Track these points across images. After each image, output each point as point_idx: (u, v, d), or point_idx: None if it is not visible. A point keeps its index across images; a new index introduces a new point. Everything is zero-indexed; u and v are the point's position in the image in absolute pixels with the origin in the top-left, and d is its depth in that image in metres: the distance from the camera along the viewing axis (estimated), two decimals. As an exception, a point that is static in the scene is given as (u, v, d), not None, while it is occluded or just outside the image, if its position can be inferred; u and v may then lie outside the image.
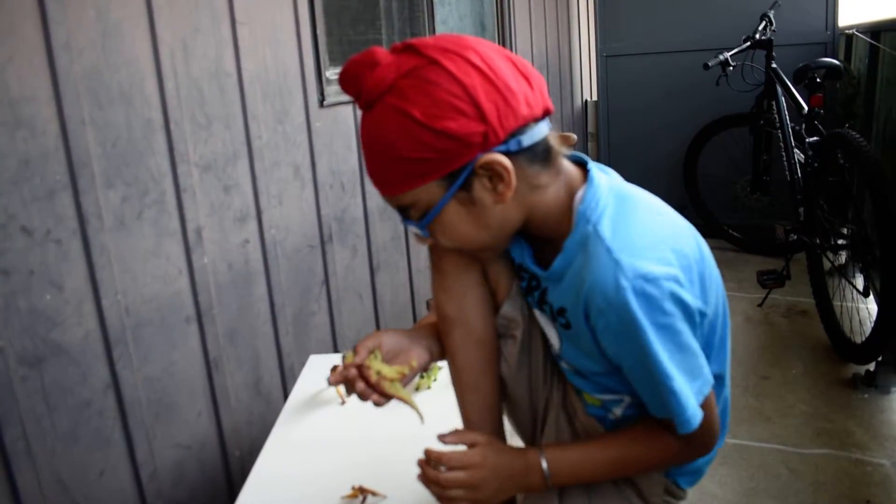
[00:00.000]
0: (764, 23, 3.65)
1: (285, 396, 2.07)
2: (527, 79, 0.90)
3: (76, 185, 1.42)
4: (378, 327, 2.62)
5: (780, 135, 3.45)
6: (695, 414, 0.90)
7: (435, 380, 1.64)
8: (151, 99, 1.60)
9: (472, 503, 0.99)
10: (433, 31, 3.13)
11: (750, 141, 3.88)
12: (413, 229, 0.98)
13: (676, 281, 0.87)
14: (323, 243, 2.28)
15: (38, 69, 1.35)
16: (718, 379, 1.05)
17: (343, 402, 1.60)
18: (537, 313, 1.09)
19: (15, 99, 1.31)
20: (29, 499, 1.34)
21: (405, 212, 0.95)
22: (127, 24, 1.54)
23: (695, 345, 0.92)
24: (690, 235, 0.97)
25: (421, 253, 2.95)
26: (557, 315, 1.00)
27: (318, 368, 1.77)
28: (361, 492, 1.26)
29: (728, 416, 1.12)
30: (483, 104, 0.85)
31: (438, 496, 1.01)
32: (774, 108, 3.53)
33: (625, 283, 0.85)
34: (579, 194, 0.96)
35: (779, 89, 3.51)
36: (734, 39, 3.67)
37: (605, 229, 0.90)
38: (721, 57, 3.51)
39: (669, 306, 0.87)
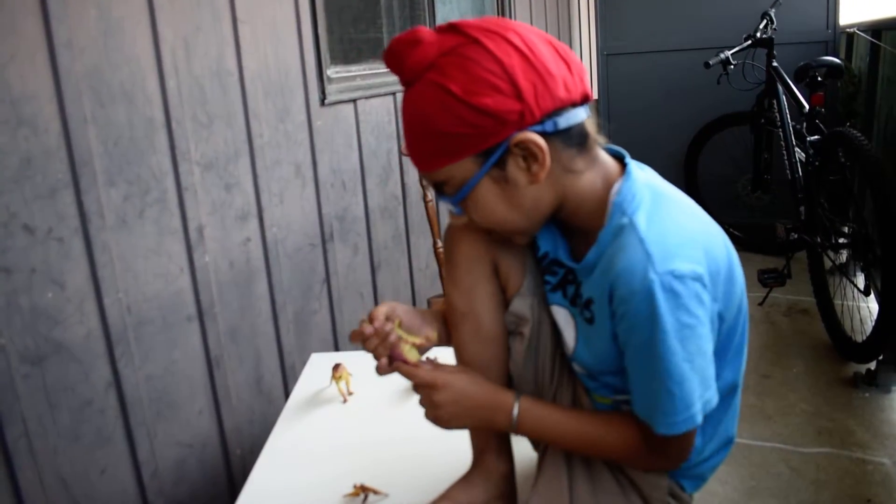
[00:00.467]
0: (765, 21, 3.64)
1: (286, 395, 2.07)
2: (567, 63, 0.91)
3: (78, 184, 1.42)
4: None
5: (781, 133, 3.45)
6: (691, 419, 0.89)
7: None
8: (153, 97, 1.60)
9: (436, 420, 1.04)
10: (434, 29, 3.12)
11: (751, 139, 3.87)
12: (447, 206, 0.99)
13: (701, 282, 0.87)
14: (324, 242, 2.28)
15: (39, 67, 1.35)
16: (733, 388, 1.04)
17: (345, 401, 1.60)
18: (556, 311, 1.08)
19: (17, 97, 1.31)
20: (30, 497, 1.35)
21: (440, 188, 0.96)
22: (128, 22, 1.54)
23: (711, 354, 0.91)
24: (721, 239, 0.96)
25: (421, 252, 2.95)
26: (584, 308, 1.00)
27: (319, 367, 1.77)
28: (363, 490, 1.26)
29: (736, 423, 1.11)
30: (521, 83, 0.86)
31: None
32: (775, 106, 3.52)
33: (653, 276, 0.85)
34: (616, 186, 0.96)
35: (780, 88, 3.51)
36: (735, 38, 3.67)
37: (641, 221, 0.90)
38: (722, 55, 3.50)
39: (694, 307, 0.87)
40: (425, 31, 0.90)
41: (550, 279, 1.08)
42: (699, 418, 0.90)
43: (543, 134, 0.89)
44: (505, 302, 1.10)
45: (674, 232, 0.90)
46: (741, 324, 1.01)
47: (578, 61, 0.93)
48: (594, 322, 0.98)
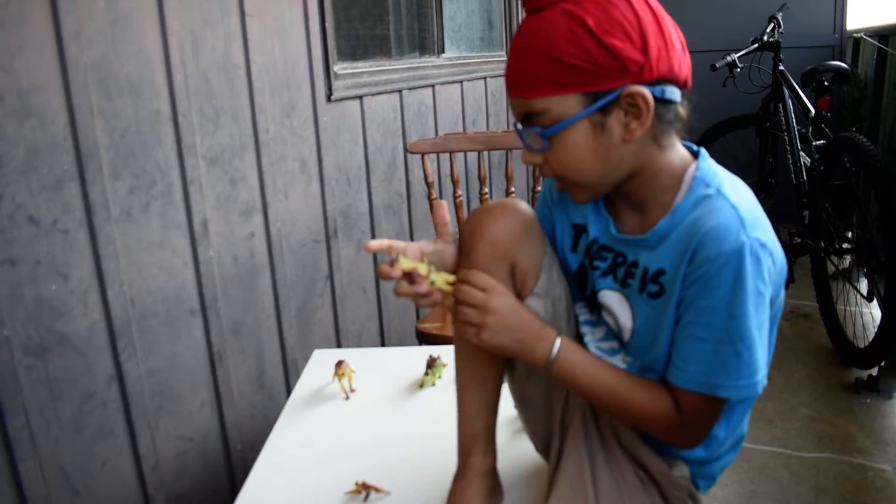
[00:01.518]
0: (772, 25, 3.64)
1: (288, 390, 2.07)
2: (683, 45, 0.95)
3: (84, 176, 1.42)
4: (382, 323, 2.63)
5: (787, 137, 3.44)
6: (753, 386, 0.91)
7: (439, 377, 1.63)
8: (160, 90, 1.60)
9: (478, 329, 0.98)
10: (441, 26, 3.13)
11: (756, 143, 3.87)
12: (528, 140, 0.98)
13: (773, 259, 0.91)
14: (328, 238, 2.27)
15: (47, 59, 1.35)
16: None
17: (347, 398, 1.60)
18: (608, 295, 1.07)
19: (24, 88, 1.31)
20: (31, 488, 1.35)
21: (530, 118, 0.95)
22: (136, 14, 1.54)
23: (769, 333, 0.94)
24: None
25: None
26: (651, 282, 1.00)
27: (321, 363, 1.77)
28: (365, 488, 1.26)
29: (746, 428, 1.12)
30: (650, 40, 0.89)
31: (453, 310, 1.01)
32: (781, 110, 3.52)
33: (745, 238, 0.88)
34: (691, 168, 0.99)
35: (786, 92, 3.50)
36: (742, 41, 3.66)
37: (729, 192, 0.94)
38: (728, 58, 3.50)
39: (767, 278, 0.90)
40: None
41: (600, 265, 1.08)
42: (759, 388, 0.92)
43: (653, 97, 0.91)
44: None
45: (755, 208, 0.94)
46: (775, 320, 1.02)
47: (688, 53, 0.98)
48: (664, 293, 0.98)
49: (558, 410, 1.13)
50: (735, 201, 0.92)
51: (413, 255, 1.04)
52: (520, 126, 0.99)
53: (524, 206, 1.09)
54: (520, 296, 1.08)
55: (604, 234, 1.08)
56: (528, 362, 1.02)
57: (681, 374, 0.95)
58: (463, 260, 1.10)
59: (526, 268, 1.07)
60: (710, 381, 0.92)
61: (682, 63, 0.95)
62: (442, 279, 1.01)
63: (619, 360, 1.08)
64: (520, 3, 0.96)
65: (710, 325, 0.91)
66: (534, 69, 0.91)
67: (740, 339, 0.89)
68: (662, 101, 0.93)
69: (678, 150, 1.01)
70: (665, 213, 0.98)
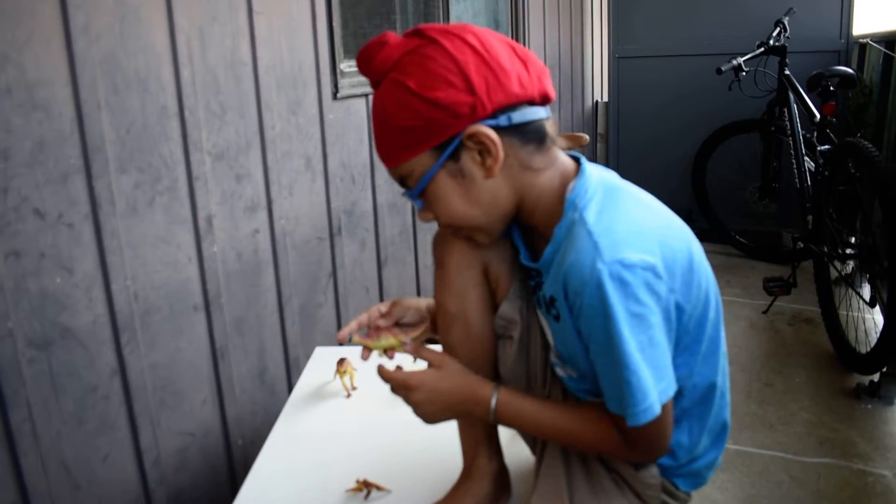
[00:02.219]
0: (778, 29, 3.64)
1: (289, 387, 2.07)
2: (524, 62, 0.94)
3: (90, 170, 1.42)
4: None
5: (791, 142, 3.44)
6: (649, 409, 0.89)
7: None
8: (167, 85, 1.60)
9: (420, 417, 1.06)
10: (447, 26, 3.12)
11: (760, 147, 3.87)
12: (410, 200, 1.02)
13: (654, 271, 0.88)
14: (332, 235, 2.28)
15: (55, 52, 1.35)
16: (711, 388, 1.04)
17: (348, 396, 1.60)
18: (539, 313, 1.09)
19: (32, 81, 1.31)
20: (32, 481, 1.35)
21: (404, 183, 0.99)
22: (145, 9, 1.54)
23: (666, 345, 0.92)
24: (681, 232, 0.98)
25: (428, 248, 2.95)
26: (550, 306, 1.01)
27: (323, 361, 1.77)
28: (366, 485, 1.26)
29: (728, 430, 1.11)
30: (473, 77, 0.90)
31: None
32: (786, 114, 3.52)
33: (601, 266, 0.87)
34: (571, 185, 0.98)
35: (791, 96, 3.50)
36: (748, 45, 3.66)
37: (590, 215, 0.92)
38: (734, 62, 3.50)
39: (644, 296, 0.87)
40: (392, 35, 0.96)
41: (531, 282, 1.10)
42: (657, 408, 0.90)
43: (497, 128, 0.92)
44: (495, 306, 1.12)
45: (623, 223, 0.92)
46: (711, 319, 1.01)
47: (539, 63, 0.97)
48: (560, 319, 0.99)
49: None
50: (592, 226, 0.91)
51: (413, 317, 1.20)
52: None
53: None
54: (496, 298, 1.11)
55: (521, 256, 1.10)
56: (479, 420, 1.10)
57: (607, 401, 0.95)
58: (437, 269, 1.13)
59: (498, 272, 1.10)
60: (620, 408, 0.92)
61: (526, 81, 0.93)
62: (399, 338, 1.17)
63: (563, 371, 1.09)
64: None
65: (600, 357, 0.92)
66: (385, 141, 0.97)
67: (624, 366, 0.88)
68: (513, 128, 0.93)
69: (560, 167, 1.00)
70: (550, 241, 0.99)
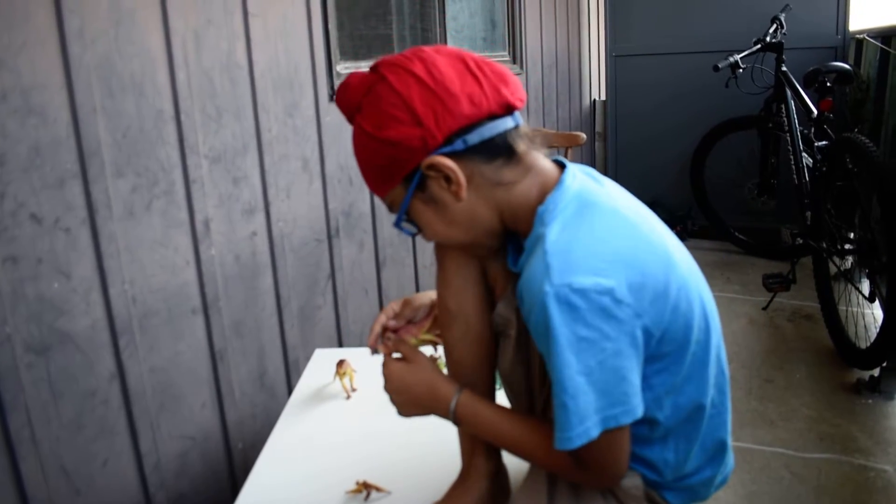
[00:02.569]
0: (775, 26, 3.64)
1: (289, 390, 2.07)
2: (477, 77, 0.93)
3: (86, 174, 1.42)
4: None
5: (789, 138, 3.44)
6: (579, 436, 0.87)
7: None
8: (163, 89, 1.60)
9: (396, 408, 1.13)
10: (443, 27, 3.12)
11: (758, 144, 3.87)
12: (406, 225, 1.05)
13: (611, 295, 0.85)
14: (330, 237, 2.27)
15: (50, 57, 1.35)
16: (697, 408, 1.01)
17: (348, 398, 1.60)
18: None
19: (27, 86, 1.31)
20: (32, 486, 1.34)
21: (390, 209, 1.04)
22: (140, 13, 1.54)
23: (630, 371, 0.89)
24: (657, 254, 0.93)
25: (427, 249, 2.95)
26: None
27: (323, 363, 1.77)
28: (365, 487, 1.26)
29: (727, 449, 1.08)
30: (418, 110, 0.91)
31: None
32: (783, 111, 3.52)
33: (547, 289, 0.85)
34: (546, 197, 0.96)
35: (788, 92, 3.51)
36: (744, 42, 3.66)
37: (552, 233, 0.90)
38: (731, 59, 3.50)
39: (595, 321, 0.85)
40: (355, 75, 0.98)
41: None
42: (594, 433, 0.87)
43: (453, 153, 0.93)
44: (493, 304, 1.12)
45: (584, 244, 0.89)
46: (697, 341, 0.97)
47: (499, 72, 0.96)
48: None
49: (540, 404, 1.13)
50: (550, 245, 0.89)
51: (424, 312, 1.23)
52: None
53: None
54: (494, 296, 1.12)
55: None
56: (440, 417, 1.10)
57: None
58: (438, 268, 1.14)
59: (496, 272, 1.11)
60: (558, 434, 0.90)
61: (479, 99, 0.92)
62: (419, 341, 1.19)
63: None
64: None
65: (550, 374, 0.90)
66: (365, 176, 1.01)
67: (563, 390, 0.86)
68: (472, 149, 0.93)
69: (539, 176, 0.99)
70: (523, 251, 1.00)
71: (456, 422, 1.06)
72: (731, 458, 1.11)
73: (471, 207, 0.97)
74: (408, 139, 0.92)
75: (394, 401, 1.12)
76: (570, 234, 0.90)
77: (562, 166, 1.01)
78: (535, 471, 1.10)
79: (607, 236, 0.91)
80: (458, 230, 1.00)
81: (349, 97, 0.97)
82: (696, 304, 0.97)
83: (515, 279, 1.10)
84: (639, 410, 0.91)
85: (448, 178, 0.94)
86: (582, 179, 0.99)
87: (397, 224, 1.02)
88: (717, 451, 1.07)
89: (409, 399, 1.10)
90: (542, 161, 1.00)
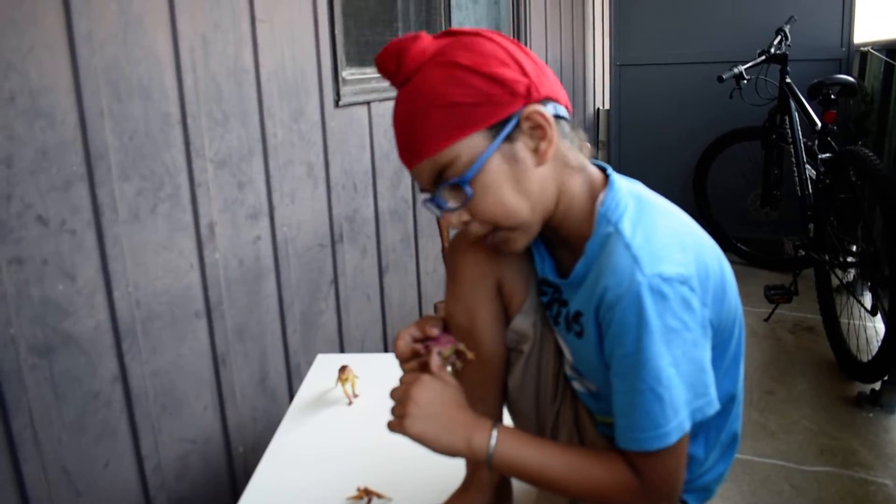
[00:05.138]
0: (779, 37, 3.64)
1: (290, 394, 2.08)
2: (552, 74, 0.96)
3: (92, 177, 1.43)
4: (385, 328, 2.63)
5: (792, 150, 3.45)
6: (675, 430, 0.86)
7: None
8: (170, 93, 1.61)
9: (399, 419, 0.95)
10: (449, 34, 3.13)
11: (761, 155, 3.87)
12: (446, 200, 0.93)
13: (689, 286, 0.87)
14: (333, 243, 2.28)
15: (59, 60, 1.36)
16: (731, 398, 1.04)
17: (350, 403, 1.61)
18: (556, 331, 1.08)
19: (35, 89, 1.32)
20: (33, 487, 1.35)
21: (442, 176, 0.91)
22: (148, 18, 1.54)
23: (707, 362, 0.90)
24: (712, 249, 0.96)
25: (429, 255, 2.95)
26: (573, 322, 0.99)
27: (325, 368, 1.77)
28: (367, 493, 1.26)
29: (738, 440, 1.10)
30: (523, 63, 0.90)
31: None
32: (787, 122, 3.52)
33: (640, 279, 0.85)
34: (601, 197, 0.96)
35: (792, 104, 3.51)
36: (749, 53, 3.67)
37: (626, 228, 0.90)
38: (735, 70, 3.50)
39: (679, 311, 0.86)
40: (424, 33, 0.94)
41: (544, 298, 1.09)
42: (687, 425, 0.88)
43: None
44: (507, 320, 1.10)
45: (660, 236, 0.90)
46: (737, 335, 1.01)
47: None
48: (583, 336, 0.97)
49: (548, 422, 1.13)
50: (630, 238, 0.89)
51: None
52: (426, 196, 0.96)
53: None
54: (508, 313, 1.08)
55: (541, 269, 1.07)
56: (466, 456, 0.96)
57: (619, 434, 0.91)
58: (449, 281, 1.11)
59: (512, 286, 1.08)
60: (638, 435, 0.88)
61: (558, 86, 0.94)
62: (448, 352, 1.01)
63: (581, 386, 1.08)
64: (389, 82, 0.96)
65: (627, 375, 0.88)
66: (429, 125, 0.89)
67: (657, 381, 0.85)
68: (557, 118, 0.93)
69: (588, 174, 0.99)
70: (581, 257, 0.97)
71: (492, 459, 0.93)
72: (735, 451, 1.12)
73: (543, 178, 0.93)
74: (514, 82, 0.88)
75: (415, 411, 0.94)
76: (644, 229, 0.90)
77: (601, 170, 1.01)
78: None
79: (674, 231, 0.92)
80: (526, 201, 0.93)
81: (422, 45, 0.91)
82: (738, 300, 1.00)
83: (535, 293, 1.08)
84: (717, 402, 0.91)
85: (536, 136, 0.90)
86: (625, 180, 1.00)
87: (465, 181, 0.90)
88: (731, 443, 1.09)
89: (433, 415, 0.94)
90: (588, 163, 1.00)
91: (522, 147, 0.91)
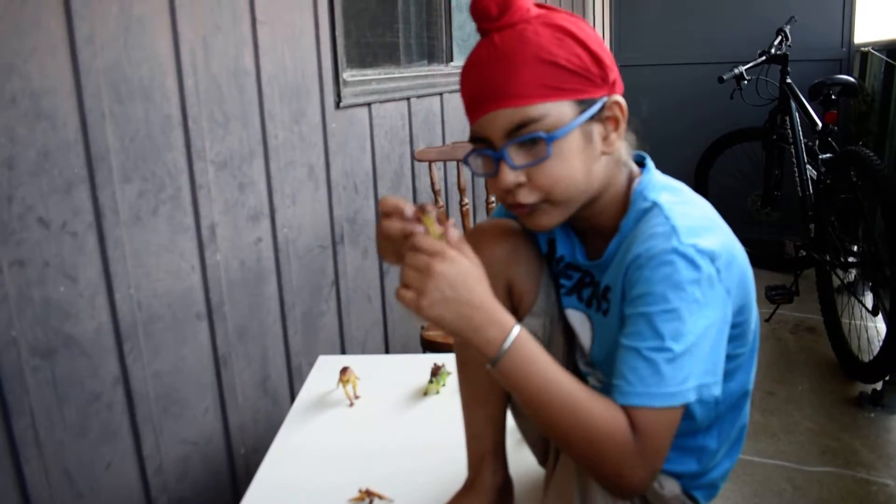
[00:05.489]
0: (780, 38, 3.64)
1: (291, 395, 2.08)
2: None
3: (94, 179, 1.43)
4: (386, 329, 2.63)
5: (793, 150, 3.45)
6: (676, 395, 0.84)
7: (444, 385, 1.64)
8: (171, 95, 1.61)
9: (416, 294, 0.84)
10: (450, 35, 3.14)
11: (762, 155, 3.87)
12: (514, 157, 0.90)
13: (717, 267, 0.86)
14: (334, 244, 2.28)
15: (60, 62, 1.36)
16: (745, 394, 1.04)
17: (351, 405, 1.61)
18: (571, 315, 1.08)
19: (37, 91, 1.32)
20: (35, 489, 1.35)
21: (525, 127, 0.88)
22: (149, 20, 1.55)
23: (722, 344, 0.89)
24: (736, 239, 0.96)
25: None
26: (602, 299, 0.99)
27: (326, 369, 1.77)
28: (368, 495, 1.26)
29: (744, 434, 1.11)
30: (609, 59, 0.94)
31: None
32: (788, 123, 3.52)
33: (676, 244, 0.85)
34: (637, 180, 0.99)
35: (793, 104, 3.51)
36: (750, 53, 3.67)
37: (664, 201, 0.92)
38: (736, 70, 3.51)
39: (706, 287, 0.85)
40: None
41: (566, 283, 1.08)
42: (692, 396, 0.85)
43: None
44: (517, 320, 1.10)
45: (696, 216, 0.91)
46: (754, 329, 1.01)
47: None
48: (609, 312, 0.98)
49: None
50: (670, 212, 0.90)
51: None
52: (481, 149, 0.93)
53: (520, 226, 1.07)
54: (517, 315, 1.06)
55: (570, 254, 1.07)
56: (476, 348, 0.87)
57: (623, 389, 0.86)
58: None
59: (523, 287, 1.07)
60: (645, 390, 0.84)
61: None
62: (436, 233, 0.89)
63: (594, 380, 1.08)
64: (478, 25, 0.93)
65: (643, 333, 0.85)
66: (528, 74, 0.87)
67: (675, 341, 0.83)
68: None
69: (630, 169, 1.01)
70: (615, 235, 0.98)
71: (502, 357, 0.85)
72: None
73: (601, 166, 0.95)
74: (609, 69, 0.92)
75: (432, 288, 0.83)
76: (681, 207, 0.92)
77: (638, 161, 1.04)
78: (560, 487, 1.05)
79: (706, 216, 0.94)
80: (585, 180, 0.93)
81: (528, 2, 0.92)
82: (754, 294, 0.99)
83: (545, 295, 1.08)
84: (721, 387, 0.89)
85: (609, 125, 0.93)
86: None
87: (551, 139, 0.88)
88: (738, 438, 1.10)
89: (459, 298, 0.84)
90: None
91: (596, 131, 0.93)
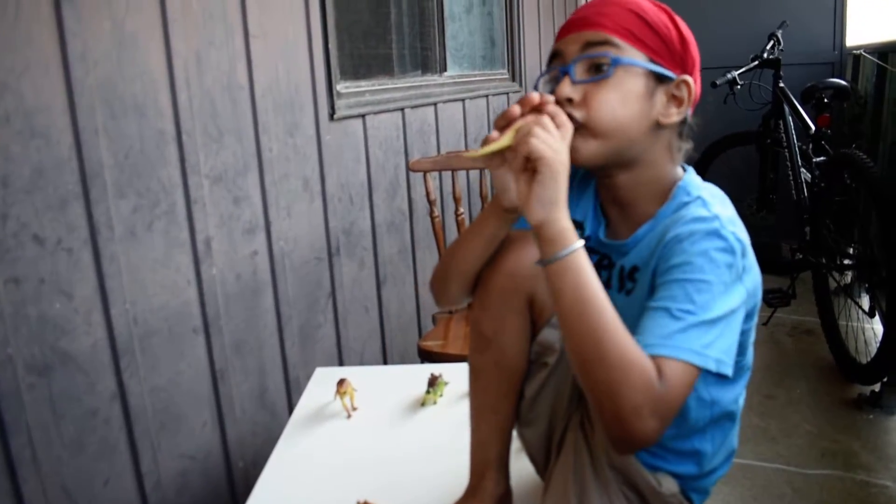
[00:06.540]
0: (772, 42, 3.66)
1: (290, 408, 2.07)
2: None
3: (88, 195, 1.43)
4: (384, 340, 2.63)
5: (787, 154, 3.45)
6: (699, 354, 0.84)
7: (441, 395, 1.64)
8: (164, 110, 1.61)
9: (546, 146, 0.86)
10: (443, 45, 3.15)
11: (756, 159, 3.88)
12: (578, 71, 0.95)
13: (746, 263, 0.92)
14: (330, 256, 2.28)
15: (53, 79, 1.36)
16: (735, 404, 1.07)
17: (349, 417, 1.61)
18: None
19: (30, 109, 1.32)
20: (34, 507, 1.35)
21: (601, 46, 0.95)
22: (142, 36, 1.55)
23: (736, 335, 0.91)
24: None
25: (427, 267, 2.95)
26: (627, 279, 1.01)
27: (323, 381, 1.77)
28: (366, 506, 1.26)
29: (733, 456, 1.13)
30: (696, 49, 1.03)
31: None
32: (781, 127, 3.53)
33: (718, 226, 0.89)
34: (681, 180, 1.02)
35: (786, 108, 3.52)
36: (742, 58, 3.68)
37: (708, 199, 0.96)
38: (729, 75, 3.52)
39: (735, 278, 0.89)
40: None
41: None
42: (711, 365, 0.85)
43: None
44: (533, 333, 1.10)
45: (735, 218, 0.95)
46: (751, 341, 1.02)
47: None
48: (634, 292, 0.99)
49: (558, 431, 1.13)
50: (713, 208, 0.93)
51: None
52: (556, 68, 0.99)
53: None
54: (535, 326, 1.09)
55: (594, 235, 1.08)
56: (546, 231, 0.87)
57: (646, 342, 0.86)
58: (479, 288, 1.10)
59: (544, 300, 1.07)
60: (680, 344, 0.84)
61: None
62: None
63: None
64: None
65: (676, 297, 0.86)
66: (618, 16, 0.96)
67: (707, 310, 0.85)
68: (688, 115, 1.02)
69: (677, 162, 1.05)
70: (648, 220, 1.00)
71: (568, 255, 0.86)
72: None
73: (649, 134, 0.98)
74: (690, 56, 1.00)
75: (553, 148, 0.86)
76: (720, 205, 0.96)
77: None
78: (557, 490, 1.07)
79: (736, 218, 0.96)
80: (629, 127, 0.95)
81: None
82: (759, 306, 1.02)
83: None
84: (732, 369, 0.90)
85: (673, 102, 0.98)
86: None
87: (614, 63, 0.93)
88: (729, 457, 1.12)
89: (565, 172, 0.88)
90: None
91: (661, 96, 0.97)
